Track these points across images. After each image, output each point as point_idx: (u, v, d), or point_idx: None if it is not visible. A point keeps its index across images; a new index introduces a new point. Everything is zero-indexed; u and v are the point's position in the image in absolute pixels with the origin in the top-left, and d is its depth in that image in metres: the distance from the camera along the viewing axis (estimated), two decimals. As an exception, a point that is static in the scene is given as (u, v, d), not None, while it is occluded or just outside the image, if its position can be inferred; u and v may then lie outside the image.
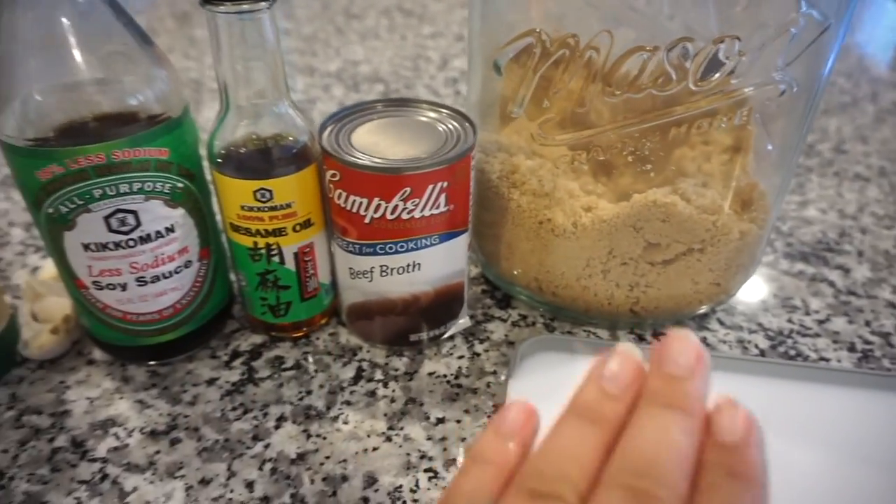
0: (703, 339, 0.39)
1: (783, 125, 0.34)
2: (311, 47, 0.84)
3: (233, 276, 0.39)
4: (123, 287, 0.33)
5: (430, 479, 0.31)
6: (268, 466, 0.32)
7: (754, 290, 0.43)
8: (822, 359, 0.38)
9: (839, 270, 0.46)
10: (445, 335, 0.38)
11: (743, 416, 0.18)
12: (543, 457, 0.19)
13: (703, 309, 0.39)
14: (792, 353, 0.38)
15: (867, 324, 0.41)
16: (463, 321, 0.39)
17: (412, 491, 0.31)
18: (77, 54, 0.28)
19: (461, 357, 0.38)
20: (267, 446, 0.33)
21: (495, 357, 0.38)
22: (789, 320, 0.41)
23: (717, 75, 0.30)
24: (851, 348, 0.39)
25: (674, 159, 0.35)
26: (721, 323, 0.41)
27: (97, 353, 0.38)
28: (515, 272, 0.39)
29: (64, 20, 0.28)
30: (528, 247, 0.37)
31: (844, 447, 0.31)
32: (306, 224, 0.34)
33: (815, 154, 0.61)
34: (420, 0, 1.03)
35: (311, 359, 0.38)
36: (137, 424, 0.34)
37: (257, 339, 0.39)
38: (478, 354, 0.38)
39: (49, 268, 0.41)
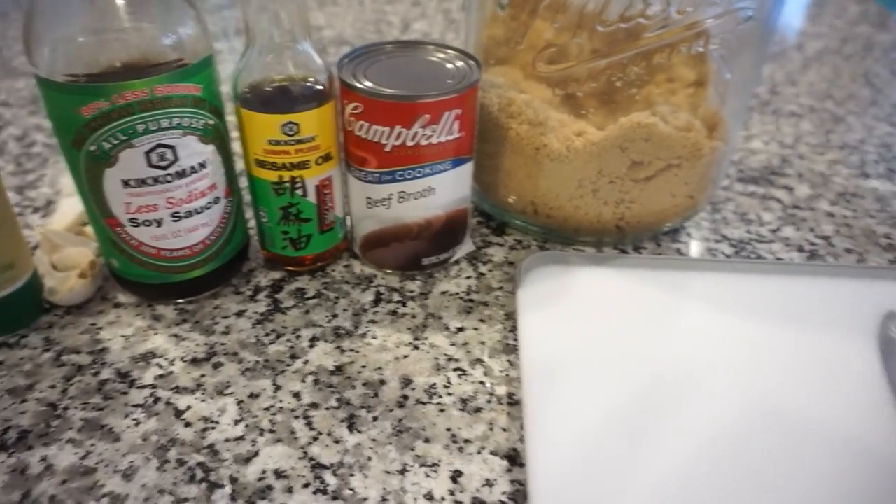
0: (678, 251, 0.44)
1: (742, 56, 0.39)
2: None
3: (249, 217, 0.41)
4: (159, 223, 0.34)
5: (459, 376, 0.35)
6: (310, 379, 0.35)
7: (715, 209, 0.49)
8: (778, 259, 0.44)
9: (784, 189, 0.52)
10: (453, 259, 0.42)
11: None
12: None
13: (677, 223, 0.45)
14: (753, 256, 0.44)
15: (811, 230, 0.47)
16: (467, 245, 0.42)
17: (445, 387, 0.34)
18: (111, -4, 0.29)
19: (469, 277, 0.42)
20: (305, 362, 0.36)
21: (499, 275, 0.42)
22: (747, 231, 0.47)
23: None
24: (800, 249, 0.45)
25: (643, 95, 0.39)
26: (690, 236, 0.46)
27: (122, 297, 0.39)
28: (511, 199, 0.43)
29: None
30: (525, 172, 0.41)
31: (801, 322, 0.37)
32: (326, 157, 0.37)
33: (755, 96, 0.68)
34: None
35: (330, 288, 0.41)
36: (177, 354, 0.36)
37: (275, 275, 0.42)
38: (483, 274, 0.42)
39: (59, 221, 0.42)
